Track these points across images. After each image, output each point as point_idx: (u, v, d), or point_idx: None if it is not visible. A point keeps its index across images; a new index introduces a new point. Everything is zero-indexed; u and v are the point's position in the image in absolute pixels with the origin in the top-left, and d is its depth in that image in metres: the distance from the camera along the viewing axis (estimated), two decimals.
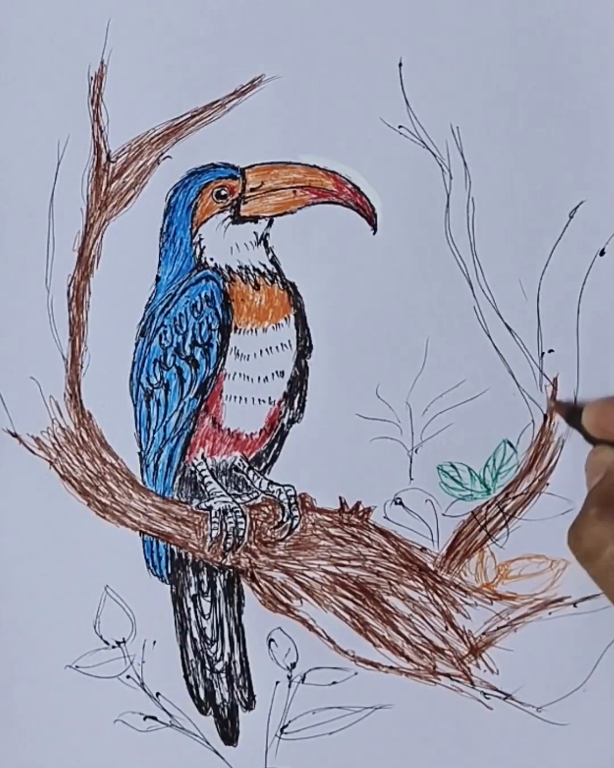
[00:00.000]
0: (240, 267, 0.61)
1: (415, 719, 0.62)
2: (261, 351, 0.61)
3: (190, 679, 0.64)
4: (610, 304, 0.59)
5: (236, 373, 0.61)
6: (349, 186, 0.60)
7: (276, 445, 0.62)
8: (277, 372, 0.61)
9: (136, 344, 0.62)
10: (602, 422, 0.58)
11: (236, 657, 0.63)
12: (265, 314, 0.61)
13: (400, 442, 0.61)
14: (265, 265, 0.61)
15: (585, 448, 0.60)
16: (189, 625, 0.63)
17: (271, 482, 0.62)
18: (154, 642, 0.63)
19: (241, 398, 0.61)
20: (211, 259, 0.61)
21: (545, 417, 0.60)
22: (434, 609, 0.61)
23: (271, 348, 0.61)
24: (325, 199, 0.60)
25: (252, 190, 0.60)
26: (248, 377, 0.61)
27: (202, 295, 0.61)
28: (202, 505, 0.63)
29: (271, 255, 0.61)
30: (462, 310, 0.60)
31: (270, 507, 0.62)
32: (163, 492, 0.63)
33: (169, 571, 0.63)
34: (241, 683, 0.63)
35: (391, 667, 0.62)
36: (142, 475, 0.63)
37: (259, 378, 0.61)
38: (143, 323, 0.61)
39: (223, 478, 0.63)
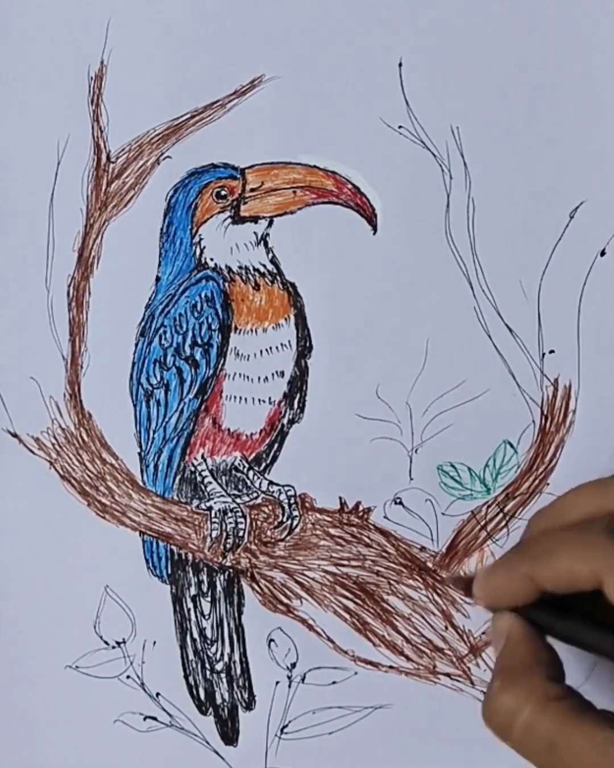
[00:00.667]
0: (240, 267, 0.61)
1: (415, 719, 0.62)
2: (261, 351, 0.61)
3: (190, 679, 0.64)
4: (611, 305, 0.59)
5: (236, 373, 0.61)
6: (349, 186, 0.60)
7: (276, 445, 0.62)
8: (277, 372, 0.61)
9: (136, 344, 0.62)
10: (486, 592, 0.56)
11: (236, 657, 0.63)
12: (265, 314, 0.61)
13: (400, 442, 0.61)
14: (265, 266, 0.61)
15: (588, 447, 0.60)
16: (189, 625, 0.63)
17: (270, 482, 0.62)
18: (154, 642, 0.63)
19: (241, 398, 0.61)
20: (211, 260, 0.61)
21: (545, 417, 0.60)
22: (434, 608, 0.61)
23: (271, 348, 0.61)
24: (325, 199, 0.60)
25: (252, 190, 0.60)
26: (248, 377, 0.61)
27: (202, 296, 0.61)
28: (202, 506, 0.63)
29: (271, 255, 0.61)
30: (463, 310, 0.60)
31: (270, 507, 0.62)
32: (163, 492, 0.63)
33: (169, 571, 0.63)
34: (241, 683, 0.63)
35: (391, 667, 0.62)
36: (142, 476, 0.63)
37: (259, 378, 0.61)
38: (143, 323, 0.61)
39: (223, 478, 0.63)
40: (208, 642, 0.63)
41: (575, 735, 0.48)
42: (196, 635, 0.64)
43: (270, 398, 0.62)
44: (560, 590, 0.51)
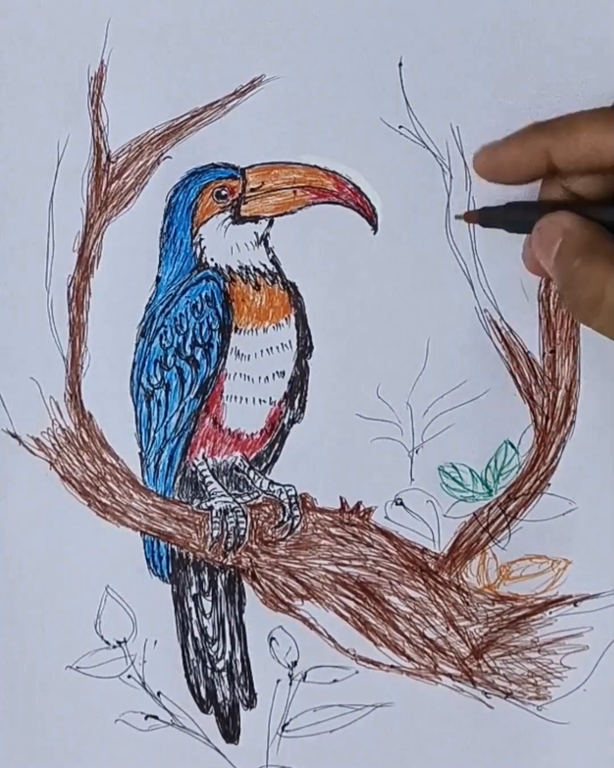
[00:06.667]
0: (240, 267, 0.61)
1: (416, 717, 0.63)
2: (261, 351, 0.61)
3: (192, 678, 0.64)
4: None
5: (237, 373, 0.61)
6: (350, 186, 0.60)
7: (276, 445, 0.62)
8: (277, 372, 0.61)
9: (137, 345, 0.62)
10: (492, 163, 0.54)
11: (237, 656, 0.64)
12: (266, 314, 0.61)
13: (401, 442, 0.61)
14: (265, 265, 0.61)
15: (589, 447, 0.60)
16: (190, 624, 0.64)
17: (271, 482, 0.62)
18: (156, 641, 0.64)
19: (241, 398, 0.62)
20: (212, 260, 0.61)
21: (546, 418, 0.60)
22: (435, 609, 0.62)
23: (271, 348, 0.61)
24: (325, 199, 0.60)
25: (252, 190, 0.60)
26: (249, 377, 0.61)
27: (203, 296, 0.61)
28: (203, 505, 0.63)
29: (271, 255, 0.61)
30: (463, 310, 0.60)
31: (271, 507, 0.62)
32: (163, 492, 0.63)
33: (170, 570, 0.63)
34: (242, 682, 0.64)
35: (392, 666, 0.62)
36: (143, 476, 0.63)
37: (259, 378, 0.61)
38: (143, 324, 0.61)
39: (224, 478, 0.63)
40: (209, 641, 0.64)
41: None
42: (197, 634, 0.64)
43: (270, 398, 0.62)
44: (576, 168, 0.49)
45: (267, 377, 0.61)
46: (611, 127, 0.49)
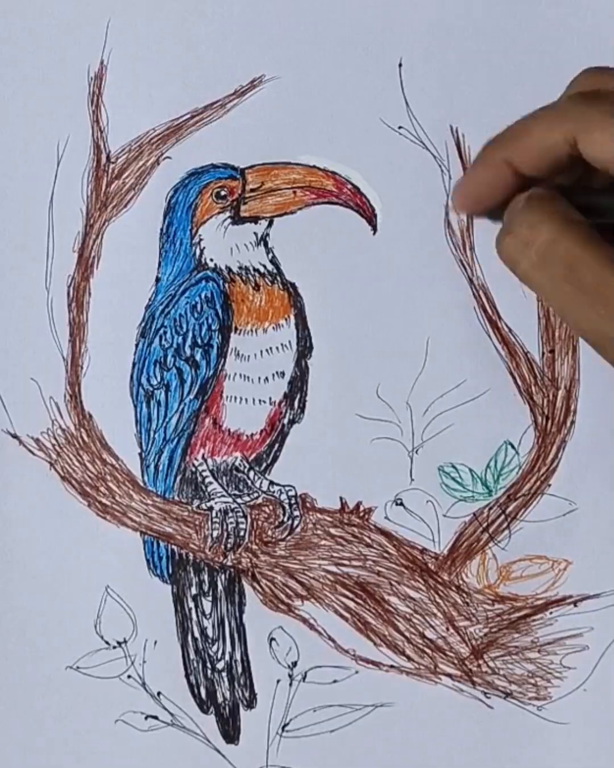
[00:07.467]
0: (240, 267, 0.61)
1: (416, 717, 0.62)
2: (261, 351, 0.61)
3: (192, 678, 0.64)
4: None
5: (236, 373, 0.61)
6: (349, 186, 0.60)
7: (276, 445, 0.62)
8: (277, 372, 0.61)
9: (137, 345, 0.62)
10: (466, 192, 0.53)
11: (237, 656, 0.63)
12: (265, 315, 0.61)
13: (401, 442, 0.61)
14: (265, 266, 0.61)
15: (589, 448, 0.60)
16: (190, 624, 0.64)
17: (271, 482, 0.62)
18: (156, 642, 0.63)
19: (241, 399, 0.61)
20: (211, 260, 0.61)
21: (546, 418, 0.60)
22: (435, 610, 0.61)
23: (271, 348, 0.61)
24: (325, 199, 0.60)
25: (252, 190, 0.60)
26: (248, 378, 0.61)
27: (202, 296, 0.61)
28: (203, 506, 0.63)
29: (271, 255, 0.61)
30: (463, 310, 0.60)
31: (270, 507, 0.62)
32: (163, 492, 0.63)
33: (170, 571, 0.63)
34: (242, 682, 0.64)
35: (392, 666, 0.62)
36: (143, 476, 0.63)
37: (259, 378, 0.61)
38: (143, 324, 0.61)
39: (224, 478, 0.63)
40: (209, 641, 0.64)
41: (598, 255, 0.46)
42: (197, 634, 0.64)
43: (270, 398, 0.62)
44: (538, 170, 0.49)
45: (266, 378, 0.61)
46: (554, 123, 0.49)
